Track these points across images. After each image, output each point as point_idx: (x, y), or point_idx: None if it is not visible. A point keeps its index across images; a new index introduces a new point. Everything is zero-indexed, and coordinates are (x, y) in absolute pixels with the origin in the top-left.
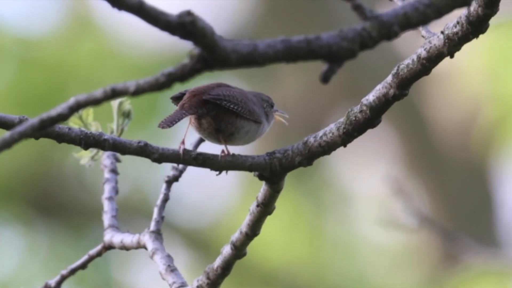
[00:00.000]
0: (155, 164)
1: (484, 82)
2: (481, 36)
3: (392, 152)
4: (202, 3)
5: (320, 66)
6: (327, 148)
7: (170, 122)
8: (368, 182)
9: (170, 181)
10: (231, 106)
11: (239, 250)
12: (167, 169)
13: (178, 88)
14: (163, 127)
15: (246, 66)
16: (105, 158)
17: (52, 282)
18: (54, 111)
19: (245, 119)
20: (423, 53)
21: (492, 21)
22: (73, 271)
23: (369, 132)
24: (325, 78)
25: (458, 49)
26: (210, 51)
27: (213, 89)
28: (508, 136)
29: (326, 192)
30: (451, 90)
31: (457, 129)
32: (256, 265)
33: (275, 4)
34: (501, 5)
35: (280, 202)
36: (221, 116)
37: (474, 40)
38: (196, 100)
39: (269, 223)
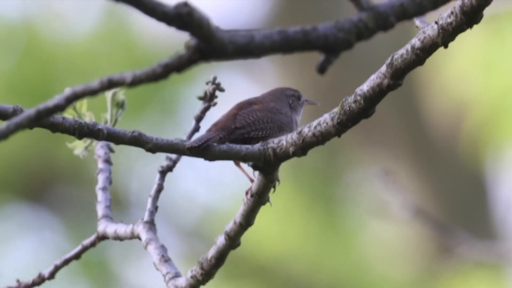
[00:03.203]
0: (150, 154)
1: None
2: (475, 26)
3: (387, 144)
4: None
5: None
6: (321, 138)
7: (199, 141)
8: (363, 174)
9: (164, 171)
10: (260, 134)
11: (233, 240)
12: (162, 159)
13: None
14: (190, 147)
15: (243, 57)
16: (98, 148)
17: (46, 272)
18: (50, 102)
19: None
20: (417, 43)
21: (487, 13)
22: (66, 262)
23: (364, 123)
24: (322, 68)
25: (452, 39)
26: (206, 42)
27: (235, 117)
28: (502, 129)
29: (321, 182)
30: (446, 82)
31: (452, 122)
32: (251, 256)
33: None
34: None
35: (275, 192)
36: (252, 139)
37: (468, 31)
38: (223, 126)
39: (263, 213)
